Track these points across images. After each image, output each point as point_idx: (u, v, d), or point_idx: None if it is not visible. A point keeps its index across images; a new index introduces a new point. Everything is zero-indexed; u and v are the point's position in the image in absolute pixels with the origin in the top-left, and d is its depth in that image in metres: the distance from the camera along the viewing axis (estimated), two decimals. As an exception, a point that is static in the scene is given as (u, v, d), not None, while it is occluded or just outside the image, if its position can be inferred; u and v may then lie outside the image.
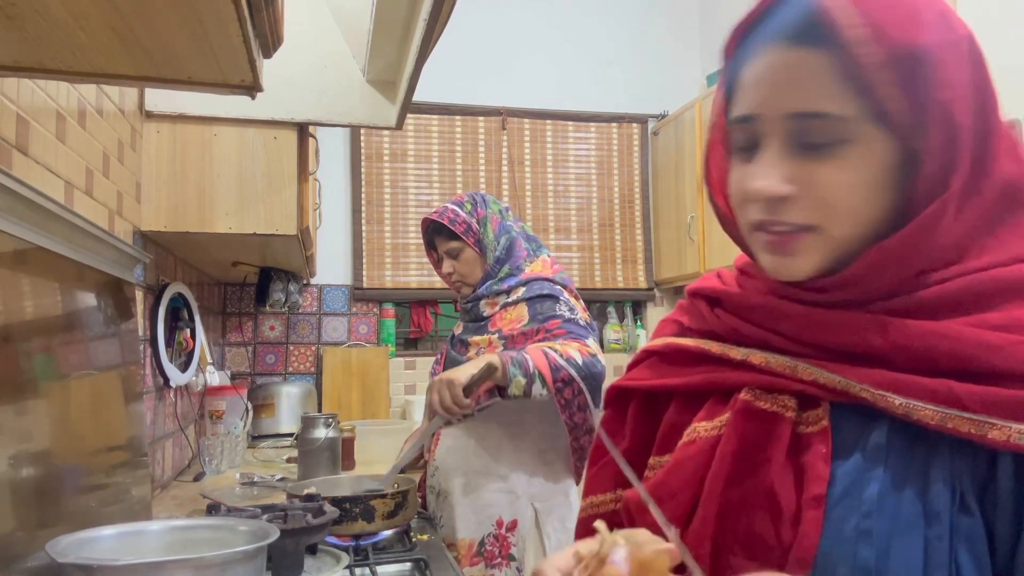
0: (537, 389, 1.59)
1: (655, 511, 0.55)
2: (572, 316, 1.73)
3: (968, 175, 0.57)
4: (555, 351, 1.62)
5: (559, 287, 1.79)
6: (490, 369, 1.58)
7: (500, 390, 1.63)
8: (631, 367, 0.77)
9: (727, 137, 0.65)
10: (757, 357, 0.63)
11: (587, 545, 0.54)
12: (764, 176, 0.59)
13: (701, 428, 0.65)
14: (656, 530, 0.61)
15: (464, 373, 1.58)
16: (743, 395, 0.63)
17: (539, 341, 1.70)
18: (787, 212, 0.59)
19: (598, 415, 1.70)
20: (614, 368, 3.68)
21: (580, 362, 1.62)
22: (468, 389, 1.57)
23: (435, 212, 1.85)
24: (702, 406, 0.67)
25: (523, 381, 1.58)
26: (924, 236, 0.57)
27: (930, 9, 0.57)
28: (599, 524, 0.55)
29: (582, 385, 1.63)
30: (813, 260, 0.60)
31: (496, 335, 1.76)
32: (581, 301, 1.84)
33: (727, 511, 0.61)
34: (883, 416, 0.57)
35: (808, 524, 0.57)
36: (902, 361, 0.57)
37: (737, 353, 0.65)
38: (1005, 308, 0.56)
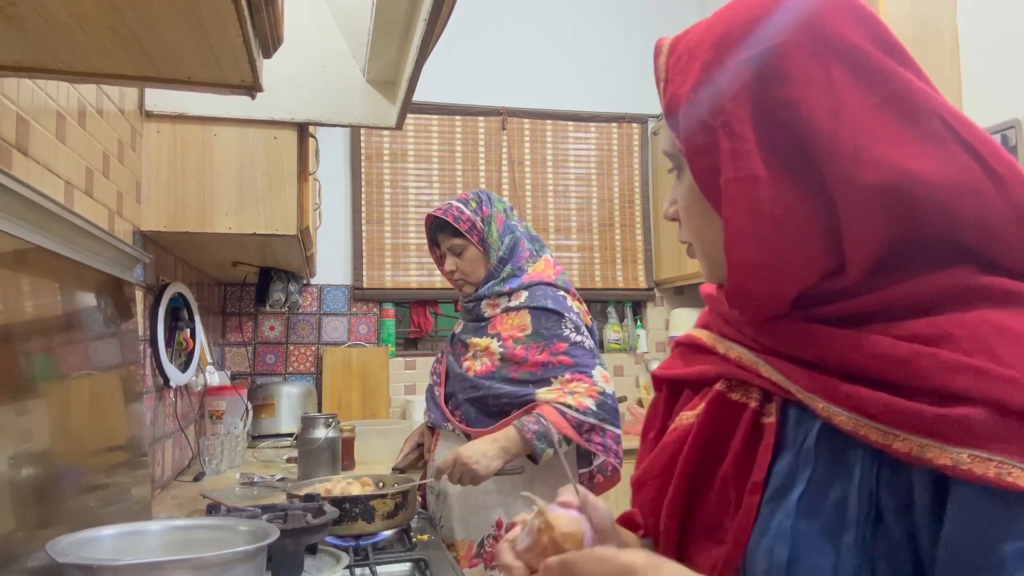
0: (563, 448, 1.65)
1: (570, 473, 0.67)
2: (578, 338, 1.74)
3: (747, 177, 0.60)
4: (570, 408, 1.64)
5: (562, 294, 1.79)
6: (515, 459, 1.62)
7: (530, 457, 1.67)
8: (671, 355, 0.83)
9: None
10: (734, 351, 0.68)
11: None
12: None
13: (684, 416, 0.70)
14: (646, 507, 0.71)
15: (489, 468, 1.59)
16: (718, 386, 0.68)
17: (543, 364, 1.70)
18: (681, 232, 0.70)
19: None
20: (614, 368, 3.69)
21: (595, 408, 1.66)
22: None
23: (439, 209, 1.84)
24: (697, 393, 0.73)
25: (551, 451, 1.61)
26: (733, 238, 0.60)
27: (709, 42, 0.63)
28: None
29: (604, 426, 1.68)
30: (704, 270, 0.68)
31: (495, 339, 1.76)
32: (583, 304, 1.84)
33: (692, 496, 0.66)
34: (816, 418, 0.59)
35: (745, 509, 0.61)
36: (827, 368, 0.58)
37: (722, 347, 0.70)
38: (937, 314, 0.55)
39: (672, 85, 0.63)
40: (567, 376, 1.69)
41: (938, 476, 0.51)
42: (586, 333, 1.77)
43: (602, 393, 1.68)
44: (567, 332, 1.73)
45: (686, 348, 0.77)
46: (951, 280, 0.56)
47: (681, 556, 0.66)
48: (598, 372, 1.71)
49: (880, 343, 0.55)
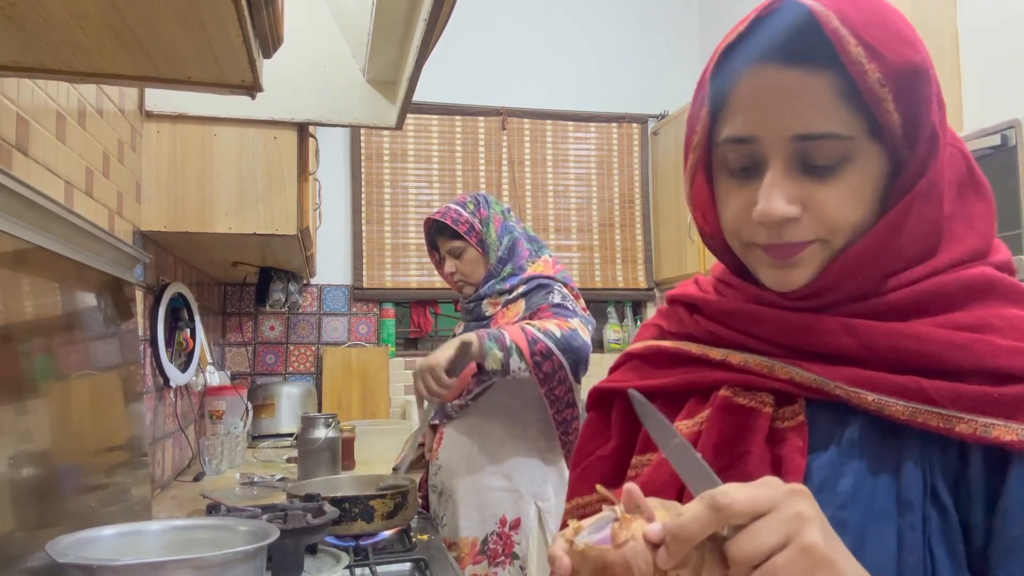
0: (515, 363, 1.58)
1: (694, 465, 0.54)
2: (562, 302, 1.73)
3: (936, 179, 0.60)
4: (532, 326, 1.63)
5: (559, 283, 1.80)
6: (465, 346, 1.58)
7: (480, 369, 1.63)
8: (613, 369, 0.79)
9: (712, 156, 0.66)
10: (736, 357, 0.66)
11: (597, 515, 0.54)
12: (770, 198, 0.59)
13: (683, 426, 0.67)
14: None
15: (442, 356, 1.58)
16: (723, 392, 0.65)
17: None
18: (791, 232, 0.60)
19: (578, 389, 1.70)
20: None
21: (558, 335, 1.62)
22: (450, 372, 1.58)
23: (438, 212, 1.85)
24: (682, 406, 0.69)
25: (500, 355, 1.57)
26: (889, 240, 0.59)
27: (908, 27, 0.59)
28: (601, 488, 0.56)
29: (562, 358, 1.61)
30: (813, 270, 0.62)
31: None
32: (581, 300, 1.84)
33: None
34: (856, 413, 0.59)
35: None
36: (873, 360, 0.59)
37: (716, 354, 0.67)
38: (970, 308, 0.59)
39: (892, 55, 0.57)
40: (543, 319, 1.69)
41: (995, 452, 0.54)
42: (573, 304, 1.76)
43: (572, 329, 1.65)
44: (552, 298, 1.74)
45: (643, 360, 0.75)
46: (978, 276, 0.60)
47: None
48: (576, 321, 1.70)
49: (932, 332, 0.58)
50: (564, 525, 0.75)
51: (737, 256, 0.67)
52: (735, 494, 0.47)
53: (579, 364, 1.66)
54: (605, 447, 0.75)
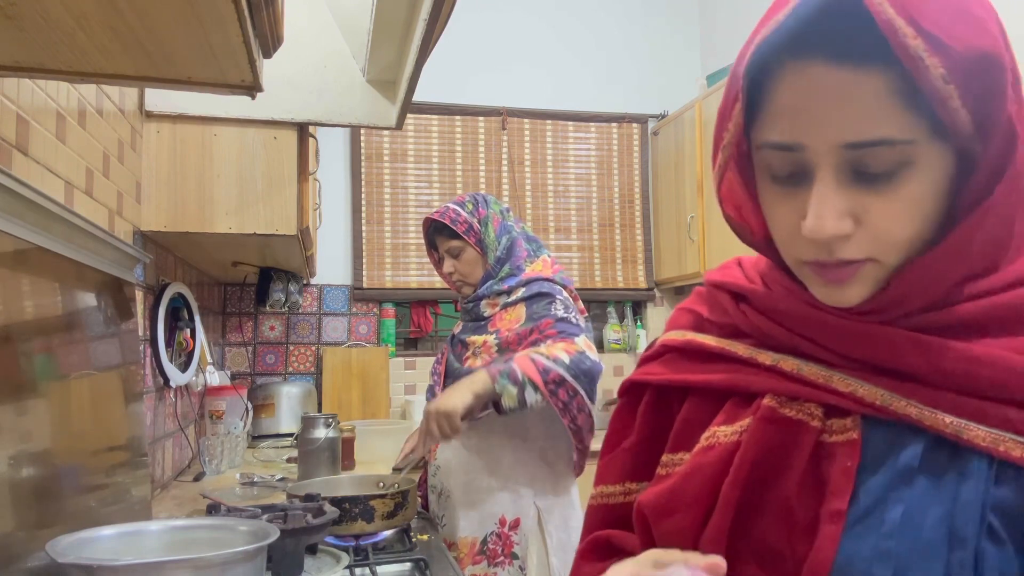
0: (531, 396, 1.57)
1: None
2: (566, 315, 1.72)
3: (1011, 180, 0.53)
4: (541, 355, 1.61)
5: (558, 287, 1.80)
6: (481, 394, 1.58)
7: (496, 405, 1.61)
8: (646, 360, 0.74)
9: (748, 156, 0.61)
10: (788, 364, 0.60)
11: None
12: (820, 215, 0.53)
13: (720, 433, 0.62)
14: (673, 538, 0.60)
15: (459, 402, 1.56)
16: (767, 401, 0.60)
17: (532, 342, 1.69)
18: (843, 249, 0.54)
19: (597, 412, 1.69)
20: (613, 368, 3.68)
21: (567, 360, 1.61)
22: (464, 417, 1.57)
23: (436, 212, 1.86)
24: (719, 406, 0.64)
25: (514, 391, 1.56)
26: (963, 247, 0.54)
27: (981, 7, 0.52)
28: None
29: (575, 384, 1.61)
30: (867, 289, 0.57)
31: (493, 336, 1.77)
32: (580, 302, 1.84)
33: (742, 519, 0.59)
34: (917, 435, 0.55)
35: (824, 539, 0.54)
36: (941, 382, 0.55)
37: (766, 358, 0.62)
38: None
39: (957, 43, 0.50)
40: (549, 343, 1.68)
41: None
42: (576, 314, 1.76)
43: (580, 352, 1.64)
44: (555, 311, 1.73)
45: (680, 354, 0.70)
46: None
47: None
48: (581, 339, 1.69)
49: (1011, 360, 0.54)
50: (589, 512, 0.75)
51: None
52: None
53: (592, 386, 1.66)
54: (628, 440, 0.72)
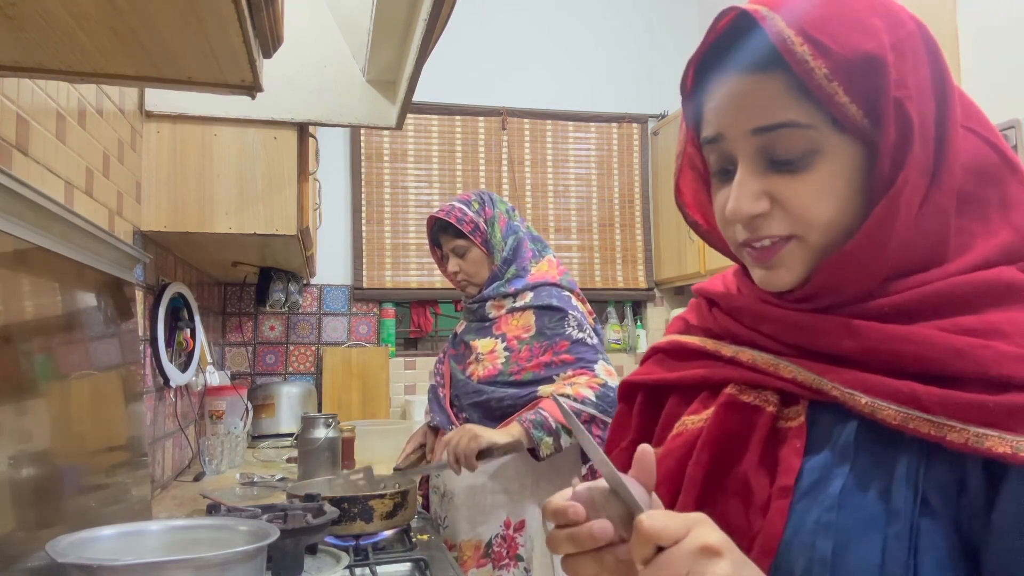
0: (566, 441, 1.61)
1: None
2: (580, 335, 1.73)
3: (922, 169, 0.57)
4: (567, 398, 1.62)
5: (567, 294, 1.79)
6: (516, 445, 1.60)
7: (533, 452, 1.64)
8: (641, 363, 0.81)
9: (699, 162, 0.69)
10: (745, 355, 0.66)
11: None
12: (737, 197, 0.61)
13: (688, 421, 0.68)
14: None
15: (491, 436, 1.58)
16: (729, 389, 0.66)
17: (546, 364, 1.69)
18: (766, 227, 0.61)
19: None
20: (614, 368, 3.68)
21: (594, 398, 1.63)
22: (486, 452, 1.58)
23: (442, 210, 1.84)
24: (694, 399, 0.70)
25: (550, 440, 1.59)
26: (880, 236, 0.58)
27: (874, 13, 0.59)
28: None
29: (605, 419, 1.64)
30: (796, 271, 0.62)
31: (500, 340, 1.76)
32: (587, 304, 1.84)
33: (705, 499, 0.63)
34: (853, 416, 0.59)
35: (774, 513, 0.59)
36: (872, 363, 0.58)
37: (728, 350, 0.68)
38: (983, 312, 0.57)
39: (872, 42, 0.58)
40: (569, 372, 1.68)
41: (990, 464, 0.52)
42: (589, 331, 1.76)
43: (603, 385, 1.66)
44: (569, 330, 1.73)
45: (666, 354, 0.76)
46: (994, 278, 0.58)
47: None
48: (601, 366, 1.70)
49: (933, 335, 0.56)
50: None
51: None
52: (648, 522, 0.51)
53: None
54: (625, 440, 0.77)
